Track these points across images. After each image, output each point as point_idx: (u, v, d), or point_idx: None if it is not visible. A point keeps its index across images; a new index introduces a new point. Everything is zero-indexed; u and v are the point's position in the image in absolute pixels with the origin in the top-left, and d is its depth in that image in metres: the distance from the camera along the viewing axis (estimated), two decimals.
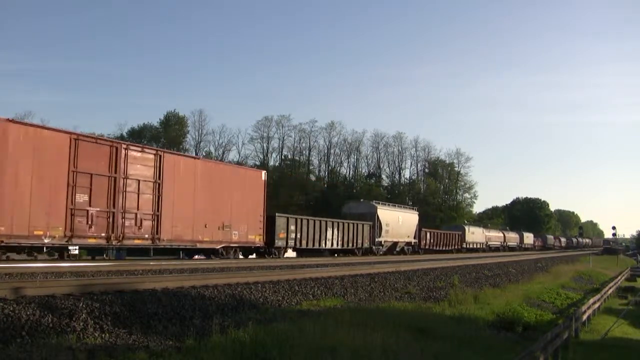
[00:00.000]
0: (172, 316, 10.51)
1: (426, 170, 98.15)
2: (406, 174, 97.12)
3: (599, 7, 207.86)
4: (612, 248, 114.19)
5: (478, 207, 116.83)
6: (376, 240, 42.03)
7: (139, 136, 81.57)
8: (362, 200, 49.52)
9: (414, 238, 49.40)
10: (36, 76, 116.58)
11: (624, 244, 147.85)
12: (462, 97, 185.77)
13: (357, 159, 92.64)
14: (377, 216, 42.64)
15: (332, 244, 36.11)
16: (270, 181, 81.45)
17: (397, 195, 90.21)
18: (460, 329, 13.31)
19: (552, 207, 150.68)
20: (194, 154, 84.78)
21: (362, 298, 16.62)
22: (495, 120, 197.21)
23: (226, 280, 14.59)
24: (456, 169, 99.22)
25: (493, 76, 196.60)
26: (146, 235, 22.52)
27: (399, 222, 46.30)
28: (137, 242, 22.35)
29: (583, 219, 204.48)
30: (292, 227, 32.00)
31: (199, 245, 25.23)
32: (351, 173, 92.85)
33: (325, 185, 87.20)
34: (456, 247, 60.57)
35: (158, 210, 22.91)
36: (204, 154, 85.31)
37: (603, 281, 40.76)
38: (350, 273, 20.37)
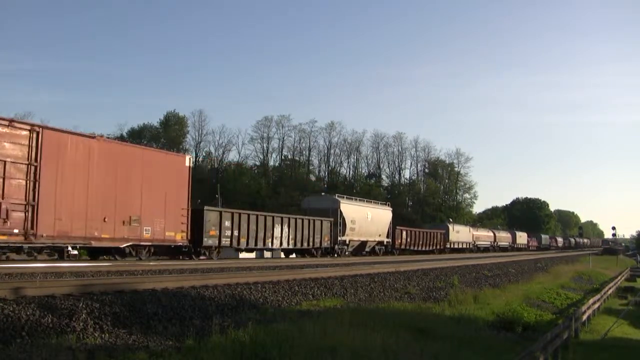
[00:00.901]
0: (172, 316, 10.51)
1: (426, 170, 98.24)
2: (406, 174, 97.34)
3: (599, 7, 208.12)
4: (612, 248, 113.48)
5: (478, 208, 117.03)
6: (339, 239, 36.94)
7: (139, 136, 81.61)
8: (323, 193, 44.72)
9: (387, 237, 44.21)
10: (36, 76, 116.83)
11: (623, 244, 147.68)
12: (462, 97, 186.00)
13: (357, 159, 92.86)
14: (341, 212, 37.42)
15: (281, 243, 31.60)
16: (270, 181, 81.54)
17: (397, 196, 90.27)
18: (460, 329, 13.32)
19: (552, 207, 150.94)
20: (193, 154, 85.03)
21: (362, 298, 16.62)
22: (495, 120, 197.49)
23: (226, 280, 14.60)
24: (456, 169, 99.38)
25: (493, 76, 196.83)
26: (15, 231, 18.04)
27: (367, 218, 40.98)
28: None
29: (583, 219, 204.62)
30: (227, 223, 27.32)
31: (94, 243, 20.76)
32: (351, 173, 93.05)
33: (325, 186, 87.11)
34: (438, 247, 55.71)
35: (34, 200, 18.53)
36: (204, 154, 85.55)
37: (603, 281, 40.77)
38: (350, 273, 20.38)
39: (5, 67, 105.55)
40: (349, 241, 38.55)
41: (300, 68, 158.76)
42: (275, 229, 31.16)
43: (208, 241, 26.13)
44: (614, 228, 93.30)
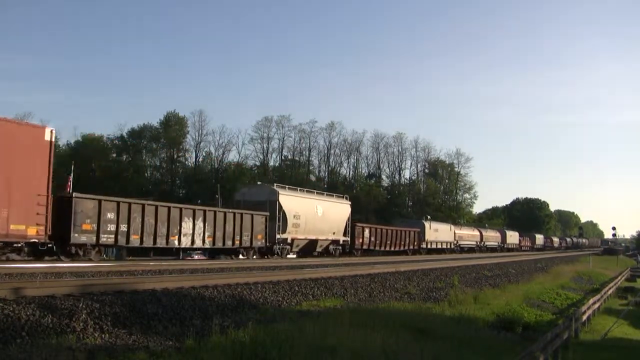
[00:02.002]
0: (172, 316, 10.52)
1: (426, 170, 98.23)
2: (406, 174, 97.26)
3: (599, 7, 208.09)
4: (612, 248, 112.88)
5: (478, 208, 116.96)
6: (278, 237, 31.30)
7: (139, 136, 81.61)
8: (259, 182, 38.34)
9: (345, 235, 38.45)
10: (36, 76, 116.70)
11: (623, 244, 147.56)
12: (463, 97, 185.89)
13: (357, 159, 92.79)
14: (280, 205, 31.58)
15: (192, 242, 25.66)
16: (270, 181, 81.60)
17: (397, 196, 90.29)
18: (460, 329, 13.31)
19: (552, 208, 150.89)
20: (193, 154, 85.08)
21: (362, 298, 16.63)
22: (495, 120, 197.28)
23: (226, 280, 14.61)
24: (456, 169, 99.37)
25: (493, 76, 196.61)
26: None
27: (317, 213, 35.06)
28: None
29: (583, 220, 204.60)
30: (111, 215, 21.79)
31: None
32: (351, 173, 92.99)
33: (326, 186, 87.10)
34: (412, 247, 49.61)
35: None
36: (204, 154, 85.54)
37: (603, 281, 40.77)
38: (350, 273, 20.40)
39: (5, 67, 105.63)
40: (292, 240, 32.89)
41: (300, 68, 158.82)
42: (184, 223, 25.10)
43: (80, 237, 20.61)
44: (614, 228, 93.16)
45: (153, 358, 7.60)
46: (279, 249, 31.69)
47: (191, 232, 25.58)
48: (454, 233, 61.62)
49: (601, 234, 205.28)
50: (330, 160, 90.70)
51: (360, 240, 40.80)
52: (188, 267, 20.28)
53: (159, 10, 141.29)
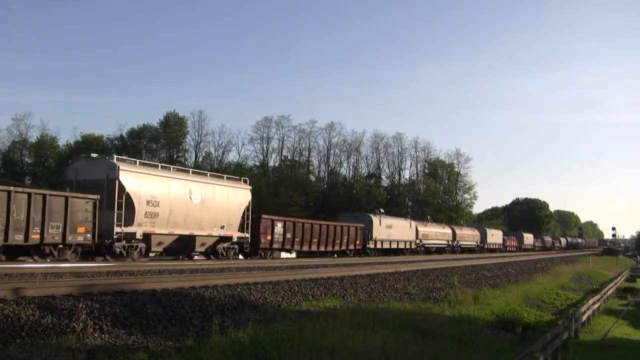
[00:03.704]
0: (172, 317, 10.52)
1: (426, 170, 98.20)
2: (406, 174, 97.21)
3: (599, 7, 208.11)
4: (611, 249, 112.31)
5: (478, 208, 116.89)
6: (118, 230, 21.81)
7: (139, 136, 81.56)
8: (95, 155, 25.12)
9: (243, 231, 28.73)
10: (36, 76, 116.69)
11: (622, 244, 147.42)
12: (462, 98, 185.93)
13: (357, 159, 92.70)
14: (121, 185, 22.13)
15: None
16: (270, 182, 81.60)
17: (396, 196, 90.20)
18: (460, 330, 13.32)
19: (552, 208, 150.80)
20: (193, 154, 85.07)
21: (361, 298, 16.63)
22: (495, 120, 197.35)
23: (226, 280, 14.62)
24: (456, 169, 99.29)
25: (493, 77, 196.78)
26: None
27: (190, 199, 25.43)
28: None
29: (583, 220, 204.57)
30: None
31: None
32: (351, 174, 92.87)
33: (325, 186, 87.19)
34: (352, 247, 39.34)
35: None
36: (204, 155, 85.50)
37: (603, 282, 40.77)
38: (350, 274, 20.40)
39: (6, 67, 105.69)
40: (146, 235, 23.40)
41: (300, 68, 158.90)
42: None
43: None
44: (613, 229, 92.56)
45: (153, 358, 7.60)
46: (121, 246, 22.11)
47: None
48: (416, 230, 51.11)
49: (601, 234, 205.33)
50: (330, 160, 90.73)
51: (269, 238, 30.87)
52: (188, 267, 20.30)
53: (159, 10, 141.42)
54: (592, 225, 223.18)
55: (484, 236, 70.17)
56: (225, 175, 31.22)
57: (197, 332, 9.20)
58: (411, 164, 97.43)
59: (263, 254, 30.57)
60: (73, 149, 76.88)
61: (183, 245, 25.97)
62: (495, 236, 74.93)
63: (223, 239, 27.64)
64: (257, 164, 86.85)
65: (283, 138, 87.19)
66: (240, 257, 29.12)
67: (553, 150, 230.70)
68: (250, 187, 30.55)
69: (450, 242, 59.78)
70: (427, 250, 53.57)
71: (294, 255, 32.76)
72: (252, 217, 29.67)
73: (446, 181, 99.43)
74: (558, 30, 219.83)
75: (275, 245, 31.58)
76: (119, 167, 22.66)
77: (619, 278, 42.75)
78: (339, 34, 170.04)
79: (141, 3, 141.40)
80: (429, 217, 59.78)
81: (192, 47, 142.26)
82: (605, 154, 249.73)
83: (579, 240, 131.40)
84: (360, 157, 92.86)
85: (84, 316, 9.18)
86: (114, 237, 21.84)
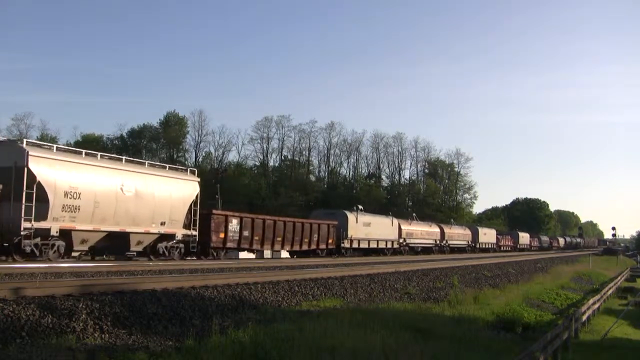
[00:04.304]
0: (172, 317, 10.52)
1: (426, 170, 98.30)
2: (406, 174, 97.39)
3: (600, 7, 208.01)
4: (612, 248, 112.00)
5: (478, 208, 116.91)
6: (27, 226, 18.82)
7: (139, 136, 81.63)
8: (3, 139, 22.80)
9: (190, 228, 25.71)
10: (36, 76, 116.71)
11: (622, 244, 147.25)
12: (462, 97, 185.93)
13: (357, 159, 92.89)
14: (31, 173, 19.18)
15: None
16: (270, 182, 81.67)
17: (397, 196, 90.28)
18: (460, 329, 13.32)
19: (552, 208, 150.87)
20: (193, 154, 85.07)
21: (361, 298, 16.63)
22: (495, 120, 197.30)
23: (226, 280, 14.61)
24: (456, 169, 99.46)
25: (493, 76, 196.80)
26: None
27: (122, 191, 22.48)
28: None
29: (583, 220, 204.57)
30: None
31: None
32: (351, 173, 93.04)
33: (326, 186, 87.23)
34: (326, 246, 36.82)
35: None
36: (204, 154, 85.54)
37: (603, 282, 40.76)
38: (350, 273, 20.39)
39: (5, 67, 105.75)
40: (64, 231, 20.48)
41: (300, 68, 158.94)
42: None
43: None
44: (614, 228, 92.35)
45: (153, 358, 7.60)
46: (33, 244, 19.26)
47: None
48: (399, 229, 47.57)
49: (601, 234, 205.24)
50: (330, 160, 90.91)
51: (222, 236, 28.01)
52: (188, 267, 20.29)
53: (159, 10, 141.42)
54: (592, 225, 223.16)
55: (475, 235, 67.10)
56: (167, 165, 28.18)
57: (197, 332, 9.20)
58: (411, 163, 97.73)
59: (215, 254, 27.59)
60: None
61: (115, 244, 23.05)
62: (488, 235, 72.00)
63: (165, 237, 24.65)
64: (257, 163, 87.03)
65: (283, 138, 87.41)
66: (194, 257, 26.60)
67: (553, 150, 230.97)
68: (199, 179, 27.37)
69: (438, 242, 56.73)
70: (413, 250, 50.73)
71: (253, 256, 29.64)
72: (202, 213, 26.61)
73: (446, 181, 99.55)
74: (558, 30, 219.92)
75: (229, 244, 28.61)
76: (28, 152, 19.42)
77: (619, 278, 42.72)
78: (339, 34, 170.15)
79: (141, 3, 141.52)
80: (414, 214, 57.01)
81: (192, 47, 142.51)
82: (606, 154, 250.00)
83: (578, 240, 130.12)
84: (360, 157, 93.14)
85: (84, 316, 9.18)
86: (22, 234, 18.82)
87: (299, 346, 8.50)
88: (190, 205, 25.96)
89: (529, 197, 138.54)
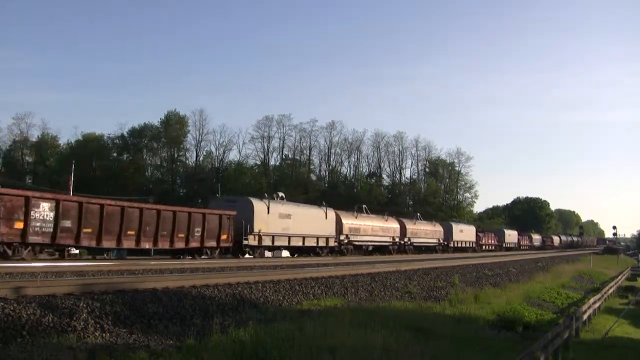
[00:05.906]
0: (173, 316, 10.52)
1: (427, 169, 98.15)
2: (407, 173, 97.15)
3: (601, 7, 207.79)
4: (612, 248, 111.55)
5: (479, 207, 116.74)
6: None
7: (140, 135, 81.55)
8: None
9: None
10: (36, 76, 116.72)
11: (623, 243, 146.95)
12: (463, 97, 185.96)
13: (357, 158, 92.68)
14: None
15: None
16: (271, 181, 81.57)
17: (397, 195, 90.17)
18: (461, 329, 13.32)
19: (553, 207, 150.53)
20: (194, 154, 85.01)
21: (362, 298, 16.62)
22: (496, 119, 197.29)
23: (227, 279, 14.60)
24: (457, 168, 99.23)
25: (494, 76, 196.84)
26: None
27: None
28: None
29: (584, 219, 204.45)
30: None
31: None
32: (352, 173, 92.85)
33: (326, 185, 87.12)
34: (217, 244, 27.53)
35: None
36: (205, 154, 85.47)
37: (603, 281, 40.70)
38: (351, 272, 20.38)
39: (5, 67, 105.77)
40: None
41: (301, 68, 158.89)
42: None
43: None
44: (614, 227, 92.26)
45: (154, 357, 7.59)
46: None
47: None
48: (339, 223, 38.60)
49: (602, 233, 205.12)
50: (331, 159, 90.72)
51: (19, 226, 19.20)
52: (189, 266, 20.28)
53: (159, 9, 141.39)
54: (593, 224, 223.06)
55: (448, 232, 57.10)
56: None
57: (198, 331, 9.20)
58: (412, 163, 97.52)
59: (4, 251, 18.70)
60: (74, 148, 76.89)
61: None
62: (465, 233, 61.74)
63: None
64: (258, 163, 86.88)
65: (284, 137, 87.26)
66: None
67: (554, 149, 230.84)
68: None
69: (396, 239, 47.10)
70: (360, 250, 41.80)
71: (76, 251, 22.80)
72: None
73: (447, 180, 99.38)
74: (558, 30, 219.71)
75: (32, 239, 19.46)
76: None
77: (619, 277, 42.66)
78: (340, 32, 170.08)
79: (141, 2, 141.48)
80: (364, 206, 46.16)
81: (192, 46, 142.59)
82: (606, 153, 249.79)
83: (575, 238, 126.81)
84: (361, 156, 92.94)
85: (84, 315, 9.18)
86: None
87: (300, 345, 8.50)
88: None
89: (529, 196, 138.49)
